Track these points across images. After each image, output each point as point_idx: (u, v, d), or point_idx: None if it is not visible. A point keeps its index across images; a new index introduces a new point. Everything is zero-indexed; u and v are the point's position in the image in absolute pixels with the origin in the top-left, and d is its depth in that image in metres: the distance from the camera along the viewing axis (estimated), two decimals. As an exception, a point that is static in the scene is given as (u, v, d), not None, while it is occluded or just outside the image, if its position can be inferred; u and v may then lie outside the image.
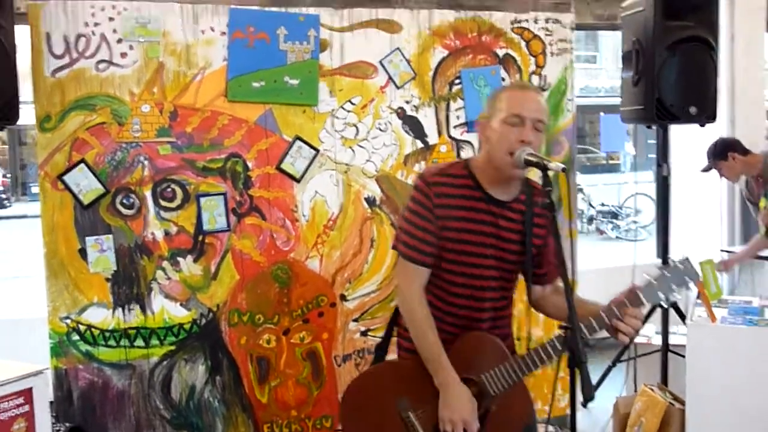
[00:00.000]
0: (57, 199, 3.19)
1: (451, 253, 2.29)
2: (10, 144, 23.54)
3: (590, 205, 14.12)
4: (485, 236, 2.28)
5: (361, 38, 3.53)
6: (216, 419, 3.43)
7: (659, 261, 4.20)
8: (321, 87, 3.48)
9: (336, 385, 3.56)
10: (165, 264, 3.33)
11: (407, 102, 3.61)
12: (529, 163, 2.15)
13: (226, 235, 3.39)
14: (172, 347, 3.36)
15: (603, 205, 14.18)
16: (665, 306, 2.10)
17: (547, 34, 3.81)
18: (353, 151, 3.55)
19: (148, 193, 3.30)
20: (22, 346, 3.20)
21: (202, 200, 3.35)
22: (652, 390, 3.68)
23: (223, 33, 3.33)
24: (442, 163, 2.38)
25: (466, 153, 3.70)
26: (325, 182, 3.52)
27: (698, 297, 3.67)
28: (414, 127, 3.62)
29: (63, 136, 3.18)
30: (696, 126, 3.97)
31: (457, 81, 3.68)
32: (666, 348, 4.04)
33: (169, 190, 3.32)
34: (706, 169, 4.78)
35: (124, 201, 3.27)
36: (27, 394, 2.56)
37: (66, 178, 3.19)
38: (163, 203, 3.32)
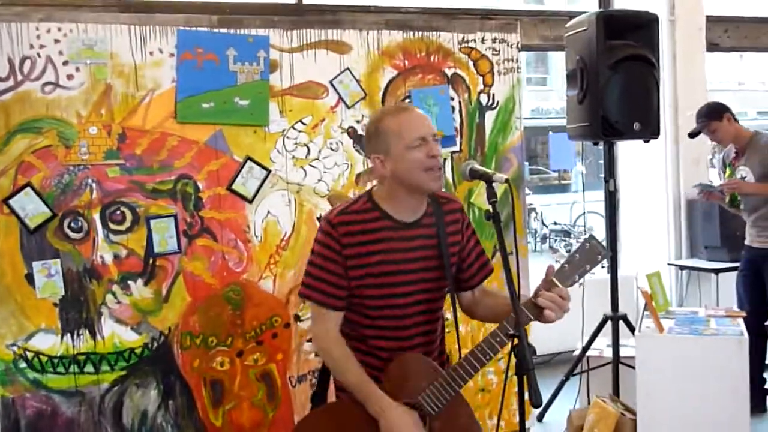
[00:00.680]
0: (2, 224, 3.12)
1: (371, 288, 2.30)
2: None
3: (543, 224, 14.30)
4: (404, 263, 2.30)
5: (311, 59, 3.55)
6: (169, 445, 3.38)
7: (608, 275, 4.29)
8: (271, 107, 3.48)
9: (291, 407, 3.54)
10: (115, 288, 3.28)
11: (358, 121, 3.64)
12: (474, 175, 2.19)
13: (177, 258, 3.36)
14: (123, 372, 3.30)
15: (555, 224, 14.38)
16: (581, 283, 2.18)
17: (494, 54, 3.88)
18: (305, 170, 3.56)
19: (96, 216, 3.25)
20: (-34, 375, 3.12)
21: (152, 222, 3.32)
22: (604, 402, 3.74)
23: (172, 54, 3.32)
24: (344, 201, 2.40)
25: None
26: (277, 202, 3.51)
27: (646, 308, 3.75)
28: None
29: (8, 160, 3.12)
30: (640, 143, 4.08)
31: (407, 100, 3.72)
32: (617, 360, 4.11)
33: (118, 212, 3.28)
34: (694, 133, 4.66)
35: (72, 224, 3.23)
36: (-29, 423, 2.50)
37: (11, 202, 3.13)
38: (113, 226, 3.27)
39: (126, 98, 3.27)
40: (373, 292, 2.31)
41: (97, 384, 3.26)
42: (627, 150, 5.84)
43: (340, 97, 3.60)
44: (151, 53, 3.30)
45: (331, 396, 2.53)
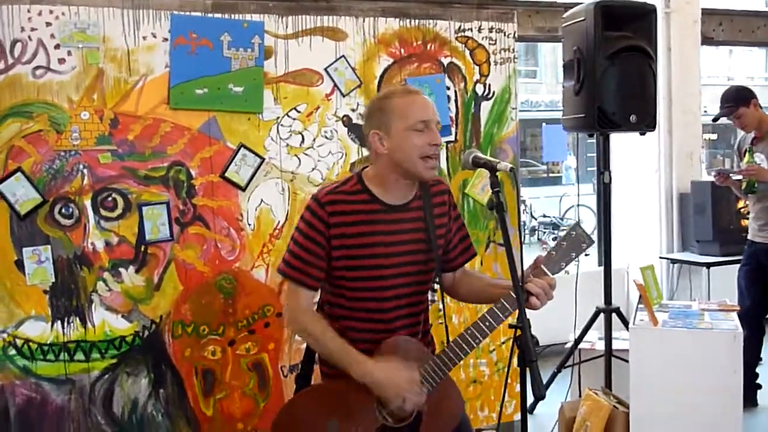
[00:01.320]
0: (-9, 210, 3.09)
1: (356, 270, 2.29)
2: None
3: (532, 216, 14.32)
4: (392, 245, 2.30)
5: (306, 46, 3.51)
6: (159, 434, 3.35)
7: (601, 269, 4.28)
8: (266, 94, 3.44)
9: (282, 396, 3.51)
10: (106, 275, 3.24)
11: (353, 110, 3.60)
12: (477, 164, 2.18)
13: (169, 245, 3.32)
14: (114, 360, 3.26)
15: (545, 216, 14.41)
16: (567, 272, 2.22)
17: (490, 43, 3.85)
18: (299, 159, 3.52)
19: (87, 203, 3.20)
20: (-46, 363, 3.08)
21: (144, 209, 3.28)
22: (596, 394, 3.74)
23: (165, 39, 3.27)
24: (334, 181, 2.39)
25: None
26: (270, 190, 3.48)
27: (640, 301, 3.74)
28: (360, 134, 3.61)
29: (-2, 144, 3.08)
30: (632, 135, 4.07)
31: (402, 89, 3.68)
32: (609, 353, 4.11)
33: (109, 199, 3.24)
34: (718, 117, 4.57)
35: (63, 211, 3.18)
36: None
37: (1, 187, 3.08)
38: (104, 213, 3.23)
39: (118, 83, 3.22)
40: (357, 274, 2.30)
41: (87, 372, 3.23)
42: (619, 142, 5.84)
43: (335, 85, 3.57)
44: (144, 38, 3.25)
45: (316, 378, 2.51)
